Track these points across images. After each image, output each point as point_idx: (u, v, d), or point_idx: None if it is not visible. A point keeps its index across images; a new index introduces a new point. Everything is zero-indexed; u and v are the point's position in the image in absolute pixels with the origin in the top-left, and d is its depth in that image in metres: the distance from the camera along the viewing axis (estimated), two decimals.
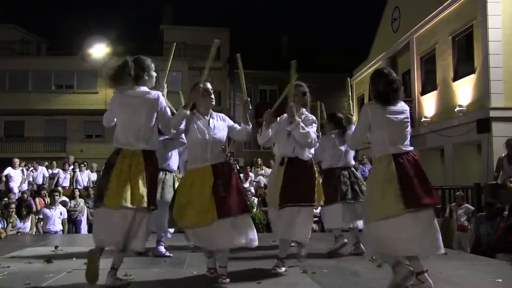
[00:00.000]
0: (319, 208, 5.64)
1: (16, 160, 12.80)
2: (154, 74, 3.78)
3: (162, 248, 5.23)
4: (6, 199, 9.65)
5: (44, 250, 5.56)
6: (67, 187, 12.78)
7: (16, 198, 10.21)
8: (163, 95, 3.85)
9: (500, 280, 3.81)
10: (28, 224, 8.53)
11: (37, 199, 10.64)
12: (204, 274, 3.96)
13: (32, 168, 13.31)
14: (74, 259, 4.84)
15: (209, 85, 3.88)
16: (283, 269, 4.15)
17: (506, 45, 11.87)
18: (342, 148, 5.49)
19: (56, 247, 5.64)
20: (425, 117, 14.99)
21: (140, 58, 3.73)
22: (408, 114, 3.53)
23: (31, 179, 13.06)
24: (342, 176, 5.44)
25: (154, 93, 3.67)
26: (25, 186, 12.40)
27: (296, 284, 3.75)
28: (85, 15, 50.22)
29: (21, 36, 26.95)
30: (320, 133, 5.05)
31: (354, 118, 5.46)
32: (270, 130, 4.27)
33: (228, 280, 3.69)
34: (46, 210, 9.10)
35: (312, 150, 4.46)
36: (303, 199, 4.11)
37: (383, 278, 3.84)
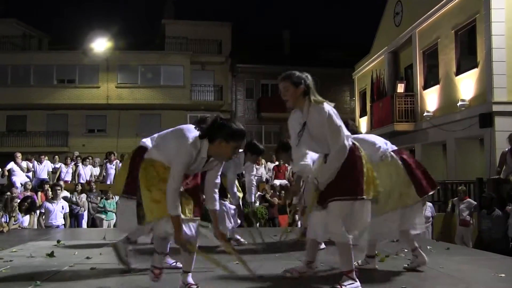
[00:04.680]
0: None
1: (19, 155, 12.79)
2: None
3: None
4: (8, 193, 9.67)
5: (47, 244, 5.56)
6: (69, 182, 12.81)
7: (19, 192, 10.24)
8: None
9: (503, 275, 3.79)
10: (26, 218, 8.55)
11: (39, 193, 10.67)
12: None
13: (36, 162, 13.25)
14: (76, 253, 4.85)
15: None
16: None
17: (509, 39, 11.80)
18: None
19: (58, 241, 5.64)
20: (428, 111, 14.94)
21: None
22: None
23: (31, 173, 12.97)
24: None
25: None
26: (27, 180, 12.37)
27: None
28: (87, 9, 50.16)
29: (22, 30, 26.88)
30: None
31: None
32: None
33: None
34: (48, 204, 9.12)
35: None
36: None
37: (385, 272, 3.84)
